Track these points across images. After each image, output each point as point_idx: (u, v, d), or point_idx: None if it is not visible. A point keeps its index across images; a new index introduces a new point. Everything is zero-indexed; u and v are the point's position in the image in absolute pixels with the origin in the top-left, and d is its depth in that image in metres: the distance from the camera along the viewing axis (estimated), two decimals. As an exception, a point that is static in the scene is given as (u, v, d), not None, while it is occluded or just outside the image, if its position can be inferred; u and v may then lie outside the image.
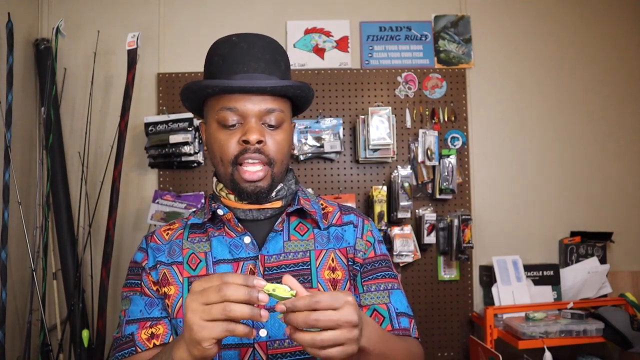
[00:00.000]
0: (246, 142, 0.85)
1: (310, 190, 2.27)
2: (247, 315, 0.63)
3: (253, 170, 0.86)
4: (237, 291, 0.63)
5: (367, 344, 0.72)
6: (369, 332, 0.72)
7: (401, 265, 2.26)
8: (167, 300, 0.91)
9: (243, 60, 0.87)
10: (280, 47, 0.93)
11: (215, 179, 0.97)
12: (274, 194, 0.93)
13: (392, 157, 2.27)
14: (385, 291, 0.94)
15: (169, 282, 0.91)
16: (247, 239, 0.91)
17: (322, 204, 1.01)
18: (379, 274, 0.95)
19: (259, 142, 0.86)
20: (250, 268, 0.89)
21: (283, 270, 0.89)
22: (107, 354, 2.02)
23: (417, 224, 2.30)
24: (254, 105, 0.86)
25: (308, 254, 0.92)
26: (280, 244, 0.92)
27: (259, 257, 0.90)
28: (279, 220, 0.92)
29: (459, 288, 2.33)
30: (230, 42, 0.89)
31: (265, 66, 0.88)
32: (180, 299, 0.90)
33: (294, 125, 1.00)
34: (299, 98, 0.93)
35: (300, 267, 0.90)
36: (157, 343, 0.88)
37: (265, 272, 0.89)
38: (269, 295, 0.66)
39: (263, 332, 0.87)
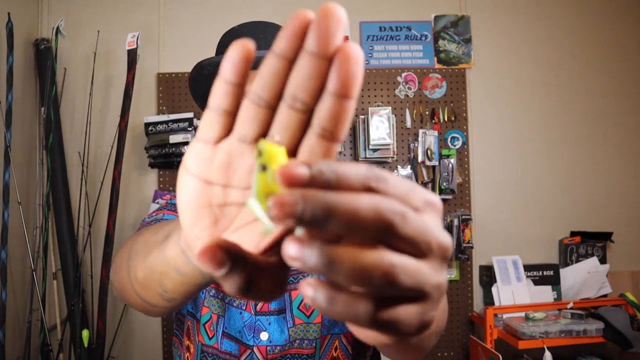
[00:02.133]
0: None
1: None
2: None
3: None
4: None
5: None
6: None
7: (401, 265, 2.26)
8: None
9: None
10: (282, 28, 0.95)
11: None
12: None
13: (392, 157, 2.27)
14: None
15: None
16: None
17: None
18: None
19: None
20: None
21: None
22: (107, 354, 2.02)
23: (417, 224, 2.30)
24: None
25: None
26: None
27: None
28: None
29: (459, 288, 2.33)
30: (232, 31, 0.95)
31: (265, 44, 0.88)
32: None
33: None
34: None
35: None
36: None
37: None
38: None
39: (264, 336, 0.84)
